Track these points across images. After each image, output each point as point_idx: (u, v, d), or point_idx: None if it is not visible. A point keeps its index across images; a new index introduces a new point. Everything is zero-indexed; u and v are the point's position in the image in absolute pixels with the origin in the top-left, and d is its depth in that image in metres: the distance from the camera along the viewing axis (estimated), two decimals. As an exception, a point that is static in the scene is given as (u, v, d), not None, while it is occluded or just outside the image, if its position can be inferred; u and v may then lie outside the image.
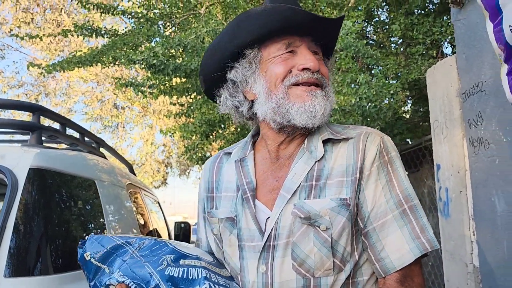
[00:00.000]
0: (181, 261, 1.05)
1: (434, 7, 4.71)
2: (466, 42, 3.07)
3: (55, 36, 7.09)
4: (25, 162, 2.02)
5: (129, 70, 11.48)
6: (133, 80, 5.75)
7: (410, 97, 5.34)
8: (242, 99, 1.20)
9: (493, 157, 2.76)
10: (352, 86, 3.87)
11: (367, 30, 5.60)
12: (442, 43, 4.83)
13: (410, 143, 4.91)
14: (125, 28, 6.31)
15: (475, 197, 3.01)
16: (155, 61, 4.01)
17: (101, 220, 2.50)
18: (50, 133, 2.71)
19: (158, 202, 5.13)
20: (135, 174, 4.45)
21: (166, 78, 5.04)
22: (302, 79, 1.11)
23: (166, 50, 4.07)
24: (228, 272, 1.15)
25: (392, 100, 3.75)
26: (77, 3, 5.40)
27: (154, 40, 5.05)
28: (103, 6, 5.36)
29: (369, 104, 3.62)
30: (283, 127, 1.15)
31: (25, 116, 10.20)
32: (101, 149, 3.61)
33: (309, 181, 1.10)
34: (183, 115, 5.72)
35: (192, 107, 5.45)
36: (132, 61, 4.02)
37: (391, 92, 3.65)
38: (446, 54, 5.44)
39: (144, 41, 5.14)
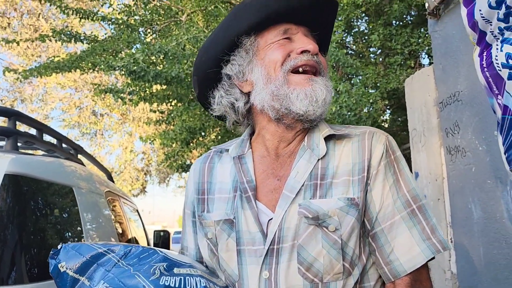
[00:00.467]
0: (175, 270, 0.96)
1: (411, 18, 4.82)
2: (443, 53, 3.15)
3: (33, 41, 6.97)
4: (0, 168, 1.96)
5: (109, 76, 11.36)
6: (113, 87, 5.68)
7: (389, 106, 5.42)
8: (238, 93, 1.14)
9: (470, 165, 2.83)
10: (332, 94, 3.90)
11: (347, 40, 5.68)
12: (419, 53, 4.93)
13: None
14: (105, 34, 6.26)
15: (452, 205, 3.07)
16: (135, 67, 3.97)
17: (79, 228, 2.44)
18: (26, 138, 2.64)
19: (137, 211, 5.05)
20: (113, 182, 4.38)
21: (146, 85, 5.00)
22: (301, 61, 1.06)
23: (147, 57, 4.04)
24: (223, 282, 1.07)
25: (371, 109, 3.80)
26: (56, 8, 5.32)
27: (135, 46, 5.01)
28: (82, 11, 5.29)
29: (349, 112, 3.66)
30: (281, 118, 1.08)
31: (-1, 122, 9.95)
32: (79, 156, 3.53)
33: (313, 180, 1.04)
34: (164, 123, 5.67)
35: (172, 114, 5.41)
36: (112, 67, 3.97)
37: (371, 101, 3.70)
38: (424, 64, 5.57)
39: (124, 48, 5.09)
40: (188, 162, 5.94)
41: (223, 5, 5.53)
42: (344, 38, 5.25)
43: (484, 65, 1.43)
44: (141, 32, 5.72)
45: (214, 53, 1.13)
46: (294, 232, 1.00)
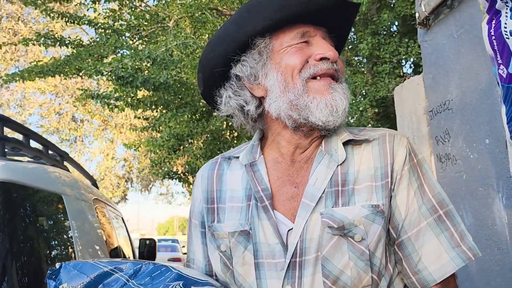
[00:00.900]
0: None
1: (399, 28, 4.90)
2: (433, 62, 3.20)
3: (16, 45, 6.80)
4: (-12, 175, 1.89)
5: (91, 82, 11.19)
6: (100, 92, 5.60)
7: (375, 114, 5.49)
8: (248, 96, 1.05)
9: (461, 172, 2.86)
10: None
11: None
12: (405, 63, 5.02)
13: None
14: (89, 39, 6.16)
15: (443, 212, 3.10)
16: (123, 73, 3.91)
17: (69, 236, 2.38)
18: (13, 144, 2.56)
19: (122, 219, 4.96)
20: (98, 188, 4.29)
21: (133, 90, 4.93)
22: (321, 70, 0.99)
23: (136, 62, 3.98)
24: None
25: (362, 117, 3.83)
26: (41, 11, 5.21)
27: (122, 52, 4.95)
28: (68, 15, 5.20)
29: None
30: (299, 126, 1.01)
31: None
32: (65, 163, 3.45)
33: (334, 187, 0.98)
34: (150, 129, 5.60)
35: (159, 121, 5.35)
36: (100, 72, 3.90)
37: (361, 109, 3.73)
38: (406, 73, 5.66)
39: (110, 53, 5.02)
40: (174, 169, 5.88)
41: (210, 12, 5.52)
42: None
43: (492, 33, 1.41)
44: (127, 38, 5.65)
45: (223, 51, 1.04)
46: (318, 243, 0.95)
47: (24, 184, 2.06)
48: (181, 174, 6.11)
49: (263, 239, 0.98)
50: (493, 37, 1.39)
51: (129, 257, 4.38)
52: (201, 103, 5.39)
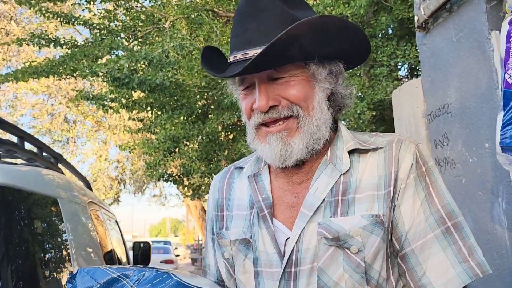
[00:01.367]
0: None
1: (397, 31, 4.90)
2: (432, 66, 3.19)
3: (9, 45, 6.72)
4: (-17, 178, 1.84)
5: (84, 83, 11.10)
6: (95, 94, 5.54)
7: (373, 117, 5.49)
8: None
9: (460, 176, 2.85)
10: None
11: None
12: (404, 66, 5.02)
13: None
14: (84, 40, 6.11)
15: (441, 216, 3.09)
16: (119, 74, 3.87)
17: (64, 239, 2.34)
18: (8, 147, 2.51)
19: (116, 221, 4.91)
20: (92, 191, 4.25)
21: (128, 92, 4.88)
22: (259, 121, 0.98)
23: (133, 64, 3.94)
24: None
25: (359, 120, 3.82)
26: (36, 11, 5.15)
27: (117, 52, 4.90)
28: (63, 15, 5.14)
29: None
30: None
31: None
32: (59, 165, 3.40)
33: (334, 196, 0.96)
34: (145, 131, 5.55)
35: (155, 123, 5.31)
36: (95, 73, 3.85)
37: (358, 111, 3.72)
38: (402, 76, 5.68)
39: (106, 53, 4.96)
40: (169, 171, 5.83)
41: (207, 13, 5.49)
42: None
43: (511, 34, 1.41)
44: (122, 38, 5.60)
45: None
46: (313, 253, 0.93)
47: (18, 187, 2.02)
48: (176, 177, 6.07)
49: (262, 248, 1.00)
50: (510, 38, 1.38)
51: (121, 259, 4.34)
52: (197, 105, 5.36)
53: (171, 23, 5.41)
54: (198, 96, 5.53)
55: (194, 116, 5.54)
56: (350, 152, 1.00)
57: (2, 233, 1.79)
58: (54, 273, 2.12)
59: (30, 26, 11.97)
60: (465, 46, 2.79)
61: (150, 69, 4.27)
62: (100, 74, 3.85)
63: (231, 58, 0.99)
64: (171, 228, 71.42)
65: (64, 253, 2.30)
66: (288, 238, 0.97)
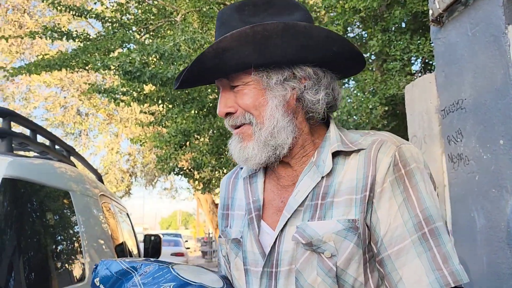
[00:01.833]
0: None
1: (411, 25, 4.83)
2: (446, 60, 3.14)
3: (22, 38, 6.78)
4: (-4, 171, 1.86)
5: (96, 76, 11.18)
6: (106, 87, 5.57)
7: (384, 112, 5.44)
8: None
9: (473, 173, 2.81)
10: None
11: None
12: (418, 60, 4.95)
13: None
14: (96, 33, 6.13)
15: (453, 213, 3.05)
16: (131, 67, 3.87)
17: (76, 231, 2.36)
18: (21, 140, 2.54)
19: (127, 214, 4.95)
20: (103, 183, 4.28)
21: (140, 85, 4.90)
22: (229, 125, 1.04)
23: (144, 57, 3.95)
24: None
25: (371, 115, 3.78)
26: (49, 4, 5.17)
27: (128, 46, 4.91)
28: (75, 8, 5.16)
29: (349, 118, 3.63)
30: None
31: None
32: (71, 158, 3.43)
33: (315, 200, 0.96)
34: (155, 124, 5.56)
35: (166, 116, 5.32)
36: (107, 67, 3.86)
37: (370, 106, 3.68)
38: (415, 71, 5.60)
39: (117, 47, 4.98)
40: (180, 165, 5.85)
41: (218, 6, 5.47)
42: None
43: None
44: (134, 32, 5.61)
45: None
46: (291, 256, 0.95)
47: (31, 180, 2.04)
48: (187, 170, 6.09)
49: (250, 248, 1.03)
50: None
51: (132, 251, 4.38)
52: (208, 99, 5.36)
53: (183, 16, 5.40)
54: (209, 90, 5.53)
55: (205, 110, 5.54)
56: (335, 154, 0.99)
57: (15, 225, 1.81)
58: (66, 265, 2.15)
59: (43, 19, 12.06)
60: (480, 41, 2.74)
61: (162, 63, 4.27)
62: (112, 67, 3.86)
63: None
64: (182, 221, 71.94)
65: (76, 245, 2.32)
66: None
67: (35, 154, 2.98)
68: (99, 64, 3.99)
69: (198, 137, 5.25)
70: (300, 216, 0.96)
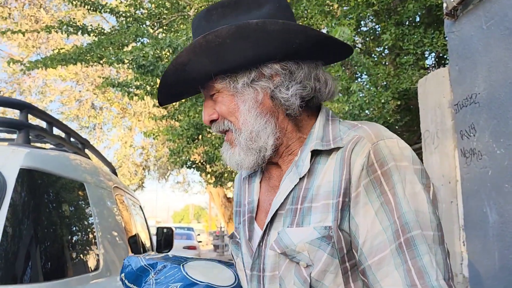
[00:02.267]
0: None
1: (425, 19, 4.78)
2: (460, 54, 3.11)
3: (39, 32, 6.88)
4: (14, 162, 1.91)
5: (110, 70, 11.28)
6: (120, 81, 5.63)
7: (397, 107, 5.40)
8: None
9: (486, 168, 2.79)
10: (340, 94, 3.88)
11: (355, 38, 5.64)
12: (431, 54, 4.90)
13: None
14: (110, 27, 6.19)
15: (466, 208, 3.04)
16: (144, 61, 3.91)
17: (90, 222, 2.41)
18: (37, 132, 2.59)
19: (140, 206, 5.01)
20: (117, 176, 4.34)
21: (153, 79, 4.93)
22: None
23: (157, 51, 3.98)
24: None
25: (384, 109, 3.76)
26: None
27: (142, 40, 4.95)
28: (90, 3, 5.22)
29: (361, 112, 3.62)
30: None
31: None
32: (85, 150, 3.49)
33: (294, 204, 0.91)
34: (168, 118, 5.61)
35: (178, 110, 5.37)
36: (121, 61, 3.90)
37: (382, 101, 3.66)
38: (428, 65, 5.54)
39: (131, 41, 5.02)
40: (192, 158, 5.89)
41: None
42: (353, 37, 5.20)
43: None
44: (148, 26, 5.65)
45: None
46: (274, 262, 0.92)
47: (47, 171, 2.08)
48: (199, 164, 6.14)
49: (245, 250, 1.02)
50: None
51: (145, 244, 4.44)
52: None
53: (196, 10, 5.42)
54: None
55: (217, 103, 5.53)
56: (318, 153, 0.92)
57: (32, 215, 1.86)
58: (81, 255, 2.19)
59: (58, 13, 12.19)
60: (495, 34, 2.71)
61: (174, 57, 4.29)
62: (126, 61, 3.90)
63: None
64: (195, 215, 72.39)
65: (90, 235, 2.37)
66: None
67: (51, 146, 3.04)
68: (113, 58, 4.03)
69: (210, 130, 5.27)
70: (281, 220, 0.92)
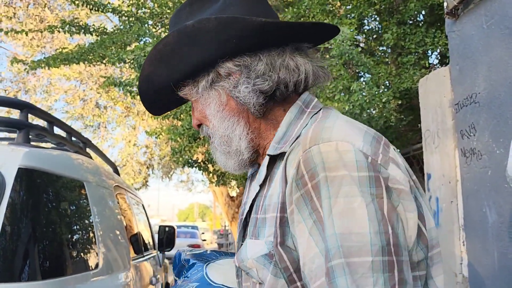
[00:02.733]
0: None
1: (426, 18, 4.77)
2: (461, 54, 3.10)
3: (42, 32, 6.91)
4: (13, 161, 1.93)
5: (114, 69, 11.32)
6: (122, 80, 5.66)
7: (398, 106, 5.39)
8: None
9: (486, 168, 2.78)
10: (342, 94, 3.88)
11: (358, 38, 5.63)
12: (434, 53, 4.88)
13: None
14: (113, 27, 6.21)
15: (466, 207, 3.03)
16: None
17: (90, 222, 2.42)
18: (38, 131, 2.61)
19: (143, 205, 5.03)
20: (119, 175, 4.36)
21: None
22: None
23: (158, 50, 3.98)
24: None
25: (384, 108, 3.76)
26: (67, -1, 5.27)
27: (144, 39, 4.96)
28: (92, 3, 5.25)
29: (361, 111, 3.62)
30: None
31: (2, 113, 9.93)
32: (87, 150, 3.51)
33: (255, 213, 0.84)
34: (170, 117, 5.62)
35: (180, 109, 5.38)
36: (122, 60, 3.92)
37: (383, 100, 3.65)
38: (431, 64, 5.52)
39: (133, 41, 5.04)
40: (194, 157, 5.90)
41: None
42: (355, 36, 5.20)
43: None
44: (150, 26, 5.67)
45: None
46: (244, 273, 0.87)
47: (47, 170, 2.10)
48: (201, 163, 6.16)
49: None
50: None
51: (148, 243, 4.46)
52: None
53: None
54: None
55: (219, 103, 5.54)
56: (277, 157, 0.84)
57: (30, 214, 1.87)
58: (80, 254, 2.21)
59: (63, 13, 12.24)
60: (496, 34, 2.70)
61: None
62: (127, 60, 3.92)
63: None
64: (199, 214, 72.55)
65: (90, 234, 2.39)
66: None
67: (52, 145, 3.06)
68: (115, 58, 4.05)
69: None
70: (249, 229, 0.86)
